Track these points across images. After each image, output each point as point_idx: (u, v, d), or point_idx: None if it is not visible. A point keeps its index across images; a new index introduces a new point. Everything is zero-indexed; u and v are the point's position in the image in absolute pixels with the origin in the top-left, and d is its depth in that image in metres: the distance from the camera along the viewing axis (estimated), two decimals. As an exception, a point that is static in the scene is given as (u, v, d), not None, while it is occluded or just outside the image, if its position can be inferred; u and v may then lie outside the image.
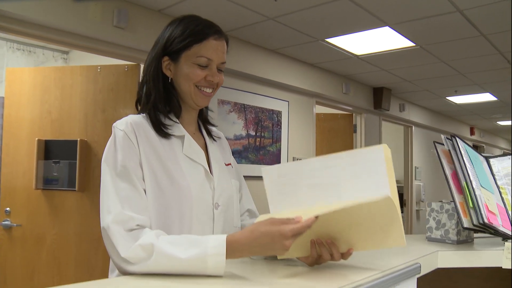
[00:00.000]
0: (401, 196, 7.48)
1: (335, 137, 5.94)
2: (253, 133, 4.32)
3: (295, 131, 4.77)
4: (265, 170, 1.08)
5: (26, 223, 3.29)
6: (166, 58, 1.23)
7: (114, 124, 1.18)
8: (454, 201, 1.35)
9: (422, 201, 7.23)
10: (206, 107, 1.38)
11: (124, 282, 0.98)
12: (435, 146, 1.43)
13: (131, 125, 1.16)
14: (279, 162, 4.57)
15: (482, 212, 1.29)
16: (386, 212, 0.95)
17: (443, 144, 1.44)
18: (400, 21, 3.38)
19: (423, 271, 1.26)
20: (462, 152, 1.39)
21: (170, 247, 0.98)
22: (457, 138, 1.42)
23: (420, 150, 7.35)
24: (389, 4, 3.08)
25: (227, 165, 1.36)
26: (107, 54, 3.17)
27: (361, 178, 0.99)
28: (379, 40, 3.87)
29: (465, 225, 1.32)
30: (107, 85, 3.32)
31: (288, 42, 4.05)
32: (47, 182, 3.31)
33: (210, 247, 0.97)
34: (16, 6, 2.57)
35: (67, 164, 3.31)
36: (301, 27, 3.61)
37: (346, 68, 4.95)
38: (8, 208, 3.32)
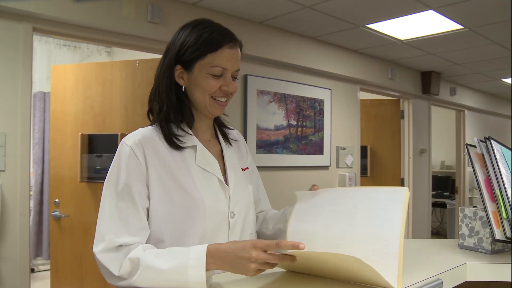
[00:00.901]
0: (453, 182, 7.18)
1: (381, 123, 5.76)
2: (294, 123, 4.25)
3: (338, 119, 4.66)
4: (299, 194, 1.17)
5: (73, 214, 3.43)
6: (178, 67, 1.20)
7: (123, 139, 1.17)
8: (486, 210, 1.25)
9: (476, 189, 6.89)
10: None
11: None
12: (467, 149, 1.33)
13: (139, 141, 1.15)
14: (322, 151, 4.49)
15: (517, 223, 1.19)
16: (361, 267, 0.92)
17: (476, 147, 1.33)
18: (445, 3, 3.17)
19: (450, 285, 1.18)
20: (497, 156, 1.28)
21: (155, 259, 1.00)
22: (492, 141, 1.30)
23: (474, 135, 6.99)
24: (431, -13, 2.90)
25: (244, 169, 1.33)
26: (144, 49, 3.20)
27: (377, 213, 1.00)
28: (423, 24, 3.66)
29: (498, 237, 1.22)
30: (146, 79, 3.36)
31: (327, 30, 3.93)
32: (91, 175, 3.42)
33: (191, 259, 0.97)
34: (55, 9, 2.64)
35: (110, 158, 3.40)
36: (340, 14, 3.48)
37: (390, 53, 4.75)
38: (57, 200, 3.48)
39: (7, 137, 2.50)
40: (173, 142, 1.18)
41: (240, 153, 1.38)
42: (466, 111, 6.76)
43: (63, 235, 3.49)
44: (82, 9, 2.74)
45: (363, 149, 5.50)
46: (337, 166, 4.64)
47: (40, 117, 4.45)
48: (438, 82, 5.67)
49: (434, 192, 7.45)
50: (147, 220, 1.14)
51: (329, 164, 4.54)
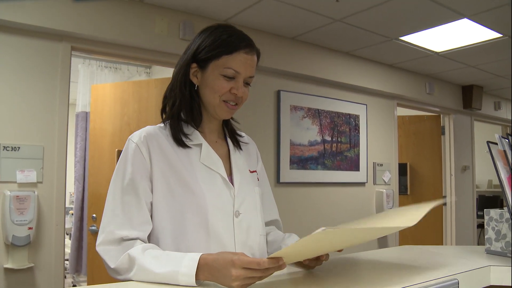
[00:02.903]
0: (501, 202, 6.83)
1: (421, 140, 5.61)
2: (329, 139, 4.21)
3: (374, 135, 4.58)
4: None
5: (110, 228, 3.50)
6: (194, 65, 1.23)
7: (130, 136, 1.20)
8: (509, 209, 1.18)
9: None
10: (232, 118, 1.35)
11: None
12: (488, 146, 1.27)
13: (144, 137, 1.18)
14: (358, 167, 4.41)
15: (542, 222, 1.11)
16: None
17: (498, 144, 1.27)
18: (479, 11, 3.08)
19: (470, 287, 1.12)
20: (521, 152, 1.21)
21: (151, 261, 1.02)
22: (515, 137, 1.24)
23: (523, 152, 6.65)
24: (463, -6, 2.83)
25: (252, 172, 1.33)
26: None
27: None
28: (458, 34, 3.57)
29: (521, 237, 1.15)
30: (179, 96, 3.44)
31: (360, 44, 3.90)
32: (127, 191, 3.49)
33: (183, 266, 0.97)
34: (92, 28, 2.77)
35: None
36: (371, 27, 3.46)
37: (427, 67, 4.65)
38: (94, 215, 3.57)
39: (45, 150, 2.61)
40: (179, 139, 1.20)
41: (249, 156, 1.38)
42: (513, 127, 6.48)
43: (100, 249, 3.56)
44: (116, 28, 2.86)
45: (403, 167, 5.36)
46: (374, 183, 4.53)
47: (82, 136, 4.61)
48: (480, 96, 5.48)
49: (482, 213, 7.12)
50: (151, 214, 1.16)
51: (365, 181, 4.45)
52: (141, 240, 1.11)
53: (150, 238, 1.16)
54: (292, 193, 3.84)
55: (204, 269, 0.96)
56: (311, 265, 1.08)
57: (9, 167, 2.45)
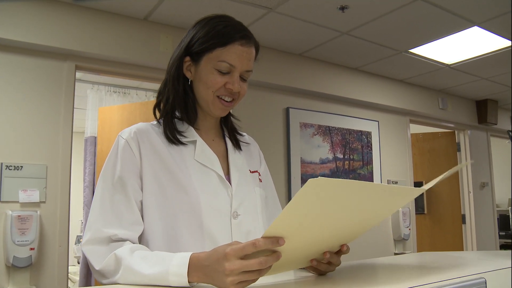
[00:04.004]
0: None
1: (436, 157, 5.48)
2: (341, 156, 4.11)
3: (388, 152, 4.47)
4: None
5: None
6: (187, 58, 1.14)
7: (120, 133, 1.13)
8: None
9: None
10: (232, 116, 1.28)
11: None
12: (509, 135, 1.17)
13: (134, 133, 1.10)
14: (371, 186, 4.28)
15: None
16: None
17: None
18: (488, 17, 3.01)
19: (500, 289, 1.00)
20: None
21: (139, 262, 0.92)
22: (539, 126, 1.14)
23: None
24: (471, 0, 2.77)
25: (252, 172, 1.24)
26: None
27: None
28: (469, 44, 3.50)
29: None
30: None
31: (368, 58, 3.84)
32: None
33: (172, 265, 0.87)
34: (96, 47, 2.76)
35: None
36: (378, 39, 3.40)
37: (439, 81, 4.56)
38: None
39: (48, 169, 2.56)
40: (174, 136, 1.12)
41: (250, 156, 1.29)
42: (531, 142, 6.31)
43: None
44: (121, 46, 2.85)
45: (418, 185, 5.19)
46: (390, 201, 4.39)
47: (91, 161, 4.56)
48: (495, 111, 5.35)
49: (503, 233, 6.88)
50: (141, 214, 1.08)
51: (380, 199, 4.31)
52: (131, 242, 1.02)
53: (139, 241, 1.07)
54: (304, 213, 3.72)
55: (197, 268, 0.85)
56: (322, 269, 0.97)
57: (12, 187, 2.39)
